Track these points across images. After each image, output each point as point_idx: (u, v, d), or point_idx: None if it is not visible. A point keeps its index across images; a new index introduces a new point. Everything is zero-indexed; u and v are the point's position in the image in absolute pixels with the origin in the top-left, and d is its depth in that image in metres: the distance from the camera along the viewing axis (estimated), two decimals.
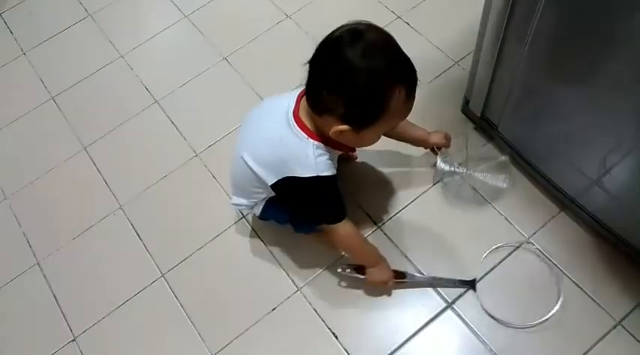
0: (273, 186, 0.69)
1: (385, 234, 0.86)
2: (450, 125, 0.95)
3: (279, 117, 0.66)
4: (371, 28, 0.58)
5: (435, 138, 0.85)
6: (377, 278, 0.77)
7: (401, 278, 0.78)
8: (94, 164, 1.02)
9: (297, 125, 0.65)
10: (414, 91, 0.61)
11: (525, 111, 0.80)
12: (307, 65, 0.62)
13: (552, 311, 0.75)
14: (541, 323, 0.75)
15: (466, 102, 0.92)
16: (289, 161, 0.65)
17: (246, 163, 0.70)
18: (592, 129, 0.69)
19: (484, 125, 0.91)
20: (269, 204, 0.76)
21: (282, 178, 0.66)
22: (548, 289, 0.78)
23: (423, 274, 0.81)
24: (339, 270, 0.79)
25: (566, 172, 0.81)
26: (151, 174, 0.98)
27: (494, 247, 0.82)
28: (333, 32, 0.60)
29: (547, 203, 0.85)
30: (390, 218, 0.87)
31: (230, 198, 0.80)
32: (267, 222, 0.83)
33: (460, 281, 0.79)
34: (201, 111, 1.06)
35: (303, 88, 0.67)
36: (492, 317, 0.76)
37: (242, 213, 0.91)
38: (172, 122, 1.05)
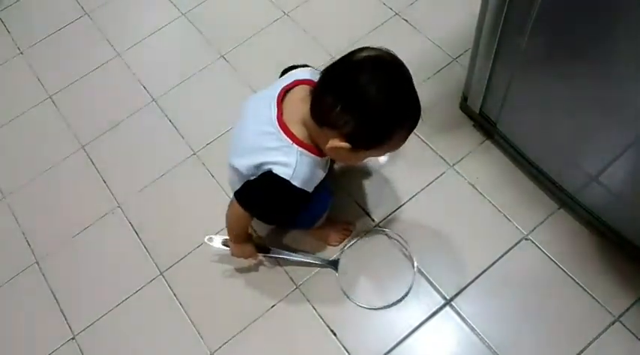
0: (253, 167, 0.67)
1: (385, 233, 0.86)
2: (448, 122, 0.95)
3: (262, 123, 0.66)
4: (395, 60, 0.60)
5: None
6: (239, 253, 0.80)
7: (265, 253, 0.82)
8: (92, 163, 1.02)
9: (282, 131, 0.65)
10: (413, 130, 0.63)
11: (524, 108, 0.80)
12: (320, 74, 0.63)
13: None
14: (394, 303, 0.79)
15: (464, 99, 0.92)
16: (269, 162, 0.65)
17: (237, 171, 0.70)
18: (591, 125, 0.69)
19: (482, 122, 0.91)
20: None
21: (263, 171, 0.66)
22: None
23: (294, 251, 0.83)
24: (206, 240, 0.82)
25: (565, 169, 0.80)
26: (149, 173, 0.98)
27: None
28: (357, 52, 0.61)
29: (546, 199, 0.85)
30: (389, 215, 0.87)
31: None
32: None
33: (325, 260, 0.82)
34: (199, 110, 1.06)
35: (278, 88, 0.67)
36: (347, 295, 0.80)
37: None
38: (170, 120, 1.04)
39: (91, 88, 1.11)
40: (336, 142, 0.61)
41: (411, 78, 0.61)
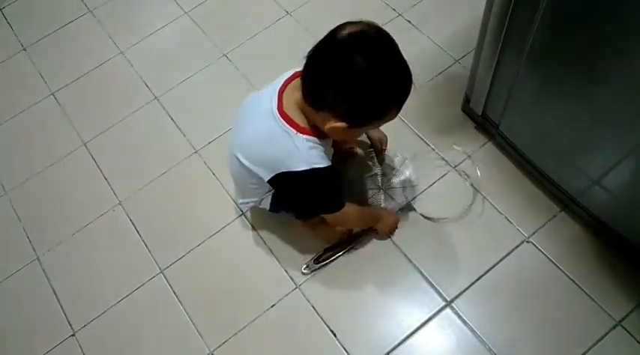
0: (270, 182, 0.69)
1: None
2: (451, 123, 0.95)
3: (264, 114, 0.66)
4: (379, 33, 0.59)
5: (374, 134, 0.88)
6: (386, 229, 0.82)
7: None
8: (94, 160, 1.02)
9: (284, 120, 0.65)
10: (406, 98, 0.63)
11: (526, 110, 0.80)
12: (305, 58, 0.62)
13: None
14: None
15: (467, 100, 0.92)
16: (281, 157, 0.66)
17: (240, 162, 0.71)
18: (594, 128, 0.69)
19: (485, 124, 0.91)
20: (276, 196, 0.76)
21: (278, 174, 0.67)
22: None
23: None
24: (305, 271, 0.82)
25: (567, 172, 0.80)
26: (151, 171, 0.98)
27: None
28: (339, 31, 0.59)
29: (547, 202, 0.85)
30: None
31: (235, 198, 0.81)
32: (278, 214, 0.82)
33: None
34: (201, 108, 1.06)
35: (281, 81, 0.67)
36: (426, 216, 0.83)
37: (241, 210, 0.91)
38: (172, 118, 1.04)
39: (94, 85, 1.11)
40: (333, 123, 0.61)
41: (397, 47, 0.59)
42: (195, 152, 1.00)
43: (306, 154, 0.64)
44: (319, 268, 0.83)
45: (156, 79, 1.10)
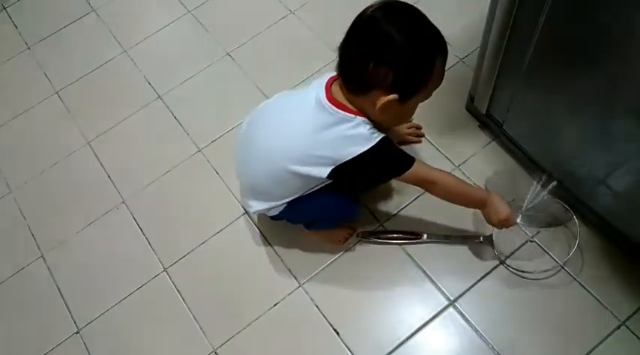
0: (329, 177, 0.67)
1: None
2: (455, 122, 0.95)
3: (310, 111, 0.65)
4: (401, 2, 0.62)
5: (401, 129, 0.87)
6: (494, 218, 0.72)
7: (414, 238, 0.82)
8: (98, 158, 1.02)
9: (338, 108, 0.64)
10: (446, 59, 0.64)
11: (531, 109, 0.79)
12: (338, 51, 0.63)
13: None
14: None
15: (471, 99, 0.92)
16: (343, 145, 0.64)
17: (290, 171, 0.67)
18: (600, 128, 0.69)
19: (489, 122, 0.91)
20: (290, 206, 0.73)
21: (343, 164, 0.65)
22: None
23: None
24: (356, 237, 0.81)
25: (571, 171, 0.80)
26: (154, 169, 0.98)
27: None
28: (362, 13, 0.61)
29: (553, 201, 0.84)
30: (393, 215, 0.87)
31: (247, 206, 0.77)
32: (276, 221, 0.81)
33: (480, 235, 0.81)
34: (204, 107, 1.06)
35: (325, 78, 0.67)
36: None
37: (245, 209, 0.91)
38: (175, 117, 1.05)
39: (98, 84, 1.12)
40: (384, 98, 0.61)
41: (421, 12, 0.62)
42: (199, 151, 1.00)
43: (369, 134, 0.64)
44: (370, 242, 0.82)
45: (159, 77, 1.10)
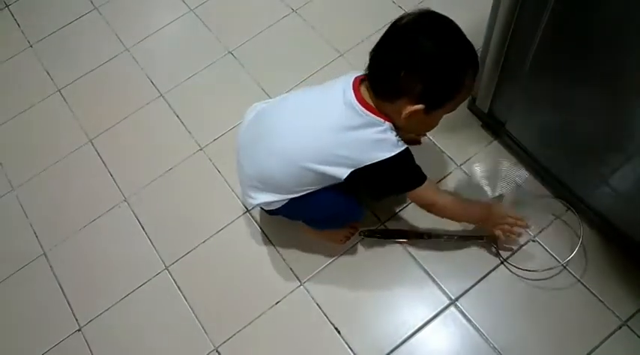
0: (347, 178, 0.66)
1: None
2: (457, 122, 0.94)
3: (337, 110, 0.65)
4: (436, 14, 0.63)
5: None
6: (497, 228, 0.75)
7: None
8: (100, 156, 1.02)
9: (368, 110, 0.64)
10: (477, 73, 0.65)
11: (533, 109, 0.79)
12: (370, 54, 0.63)
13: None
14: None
15: (473, 99, 0.91)
16: (368, 149, 0.65)
17: (307, 168, 0.67)
18: (603, 127, 0.68)
19: (491, 122, 0.91)
20: (293, 201, 0.72)
21: (362, 167, 0.65)
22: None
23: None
24: (360, 235, 0.81)
25: (573, 170, 0.80)
26: (156, 168, 0.98)
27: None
28: (398, 21, 0.63)
29: (553, 202, 0.84)
30: (394, 215, 0.87)
31: (248, 197, 0.74)
32: (275, 216, 0.80)
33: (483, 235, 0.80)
34: (206, 105, 1.06)
35: (351, 77, 0.66)
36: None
37: (246, 207, 0.91)
38: (177, 116, 1.05)
39: (99, 83, 1.12)
40: (410, 108, 0.61)
41: (456, 25, 0.62)
42: (201, 149, 1.00)
43: (395, 141, 0.65)
44: (375, 237, 0.83)
45: (161, 76, 1.10)
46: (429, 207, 0.73)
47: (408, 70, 0.60)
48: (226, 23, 1.15)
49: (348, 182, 0.67)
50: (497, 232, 0.76)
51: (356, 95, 0.65)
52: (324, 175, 0.67)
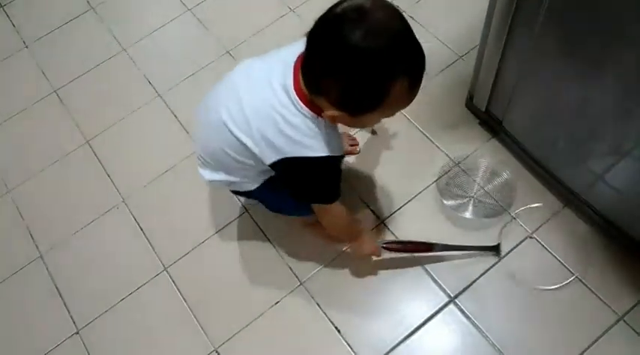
0: (272, 165, 0.61)
1: (388, 229, 0.86)
2: (454, 120, 0.95)
3: (277, 91, 0.58)
4: (379, 5, 0.51)
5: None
6: (362, 251, 0.79)
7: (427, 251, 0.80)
8: (97, 157, 1.02)
9: (302, 102, 0.57)
10: (420, 82, 0.54)
11: (530, 107, 0.80)
12: (305, 38, 0.54)
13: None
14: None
15: (470, 97, 0.92)
16: (297, 141, 0.58)
17: (232, 134, 0.61)
18: (599, 124, 0.69)
19: (488, 120, 0.91)
20: (265, 187, 0.69)
21: (285, 158, 0.60)
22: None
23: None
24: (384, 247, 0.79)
25: (570, 167, 0.80)
26: (154, 168, 0.98)
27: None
28: (336, 5, 0.51)
29: (551, 198, 0.85)
30: (393, 213, 0.87)
31: (201, 171, 0.70)
32: (253, 204, 0.78)
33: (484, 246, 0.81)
34: None
35: (293, 54, 0.58)
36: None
37: (245, 208, 0.91)
38: (175, 116, 1.04)
39: (96, 83, 1.11)
40: (329, 112, 0.54)
41: (401, 19, 0.51)
42: None
43: (326, 139, 0.58)
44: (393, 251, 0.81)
45: (159, 76, 1.10)
46: (321, 213, 0.69)
47: (324, 72, 0.52)
48: (224, 23, 1.15)
49: (275, 171, 0.63)
50: (360, 255, 0.79)
51: (295, 83, 0.57)
52: (256, 157, 0.62)
